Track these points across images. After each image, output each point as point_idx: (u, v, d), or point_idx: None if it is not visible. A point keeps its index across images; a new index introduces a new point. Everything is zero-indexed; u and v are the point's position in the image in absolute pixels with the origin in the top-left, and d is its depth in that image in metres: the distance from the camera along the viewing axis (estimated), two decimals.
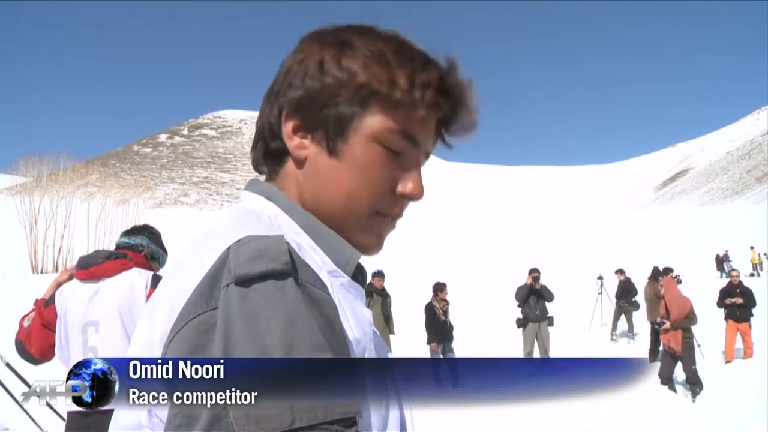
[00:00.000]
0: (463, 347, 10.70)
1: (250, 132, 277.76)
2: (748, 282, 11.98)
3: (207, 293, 0.60)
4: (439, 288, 10.08)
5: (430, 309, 9.81)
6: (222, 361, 0.55)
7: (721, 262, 32.26)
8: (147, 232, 3.12)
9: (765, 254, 35.07)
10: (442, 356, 9.63)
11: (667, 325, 8.16)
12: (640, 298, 13.23)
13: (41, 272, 57.12)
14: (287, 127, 0.77)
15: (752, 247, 35.50)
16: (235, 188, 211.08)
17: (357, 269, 0.78)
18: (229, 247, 0.62)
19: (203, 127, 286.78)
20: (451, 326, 9.81)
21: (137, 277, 2.79)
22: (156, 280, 2.75)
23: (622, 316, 13.60)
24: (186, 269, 0.66)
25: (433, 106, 0.75)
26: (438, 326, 9.67)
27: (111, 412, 2.69)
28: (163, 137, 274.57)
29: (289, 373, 0.54)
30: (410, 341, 10.02)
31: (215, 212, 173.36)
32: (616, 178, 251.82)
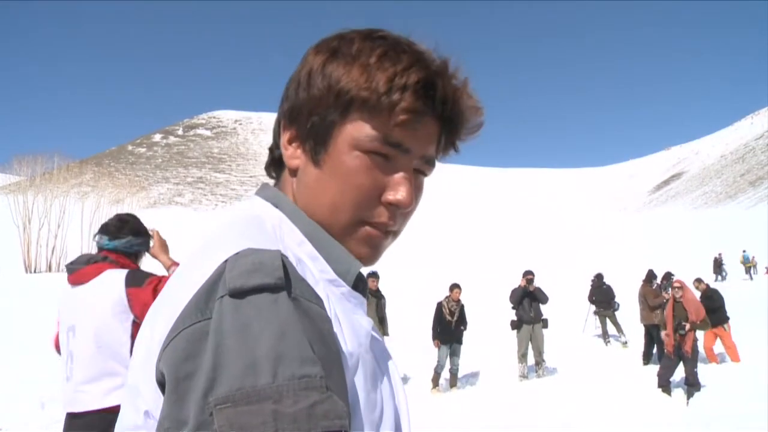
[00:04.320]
0: None
1: (245, 133, 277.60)
2: (742, 285, 12.04)
3: (203, 303, 0.61)
4: (451, 288, 10.18)
5: (438, 308, 9.95)
6: (211, 369, 0.56)
7: (720, 265, 32.38)
8: (127, 228, 3.00)
9: (754, 257, 35.11)
10: (446, 357, 9.69)
11: (688, 327, 8.17)
12: (624, 301, 13.35)
13: (34, 272, 56.88)
14: (284, 137, 0.80)
15: (744, 251, 35.69)
16: (230, 188, 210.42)
17: (357, 278, 0.79)
18: (227, 260, 0.64)
19: (198, 127, 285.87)
20: (457, 328, 9.87)
21: (110, 279, 2.74)
22: (130, 278, 2.71)
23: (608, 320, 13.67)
24: (189, 276, 0.67)
25: (413, 110, 0.73)
26: (443, 326, 9.76)
27: (109, 412, 2.68)
28: (157, 137, 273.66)
29: (276, 384, 0.55)
30: (405, 342, 10.03)
31: (210, 212, 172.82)
32: (610, 180, 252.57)
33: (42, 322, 14.30)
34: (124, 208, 77.71)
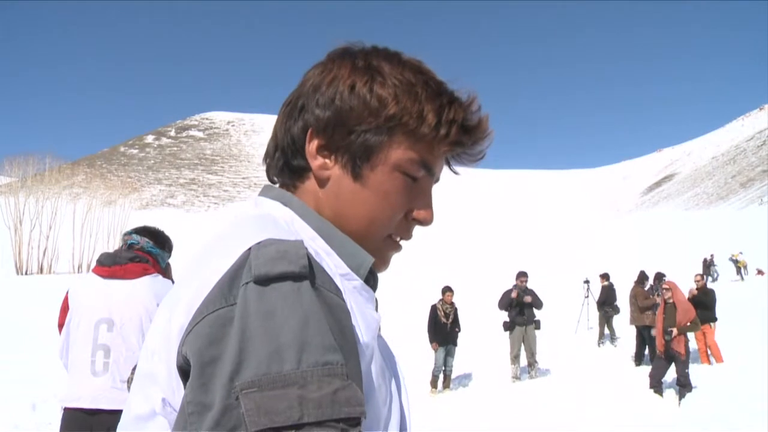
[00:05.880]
0: None
1: (237, 134, 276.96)
2: (733, 286, 12.10)
3: (227, 290, 0.62)
4: (443, 291, 10.29)
5: (432, 310, 10.04)
6: (236, 353, 0.57)
7: (709, 266, 32.50)
8: (168, 245, 3.08)
9: (737, 257, 35.21)
10: (442, 358, 9.74)
11: (675, 332, 8.15)
12: (621, 302, 13.30)
13: (26, 273, 56.57)
14: (311, 145, 0.79)
15: (741, 252, 35.85)
16: (223, 190, 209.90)
17: (369, 273, 0.81)
18: (250, 248, 0.65)
19: (190, 128, 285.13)
20: (452, 330, 9.96)
21: (161, 283, 2.75)
22: None
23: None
24: (206, 267, 0.68)
25: (455, 143, 0.80)
26: (438, 328, 9.85)
27: (112, 410, 2.64)
28: (150, 138, 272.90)
29: (300, 370, 0.56)
30: (400, 344, 10.02)
31: (202, 214, 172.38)
32: (602, 182, 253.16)
33: (33, 323, 14.23)
34: (116, 210, 77.39)
